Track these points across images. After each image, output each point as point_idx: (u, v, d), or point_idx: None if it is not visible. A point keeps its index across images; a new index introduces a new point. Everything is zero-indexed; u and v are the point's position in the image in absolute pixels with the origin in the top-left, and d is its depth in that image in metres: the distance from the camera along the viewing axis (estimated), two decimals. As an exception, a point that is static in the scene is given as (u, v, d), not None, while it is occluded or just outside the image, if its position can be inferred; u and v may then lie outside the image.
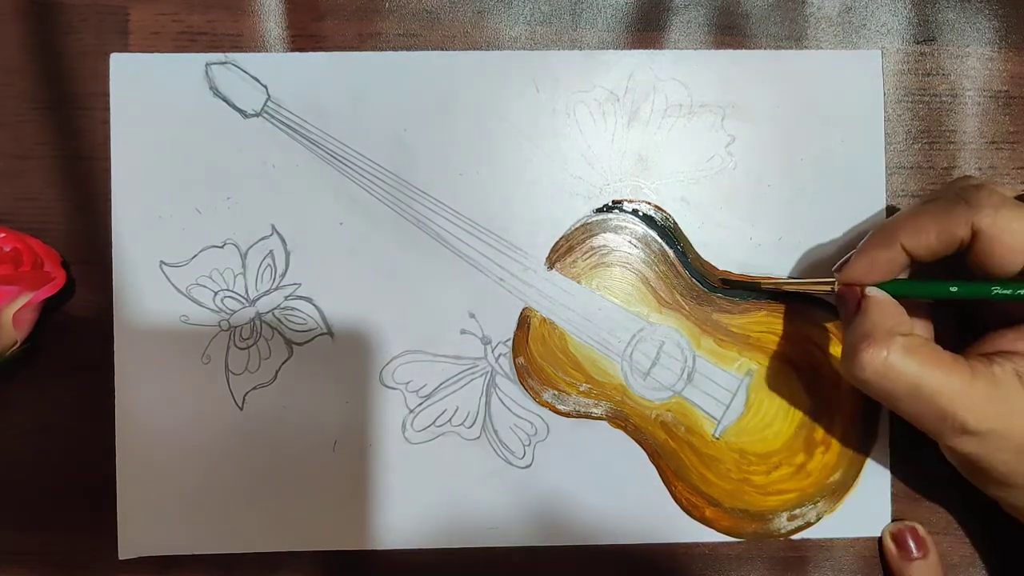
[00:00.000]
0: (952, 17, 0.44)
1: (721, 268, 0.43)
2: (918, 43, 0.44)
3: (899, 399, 0.35)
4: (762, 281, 0.43)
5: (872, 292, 0.37)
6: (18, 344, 0.41)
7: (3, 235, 0.40)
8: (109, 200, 0.43)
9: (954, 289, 0.37)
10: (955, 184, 0.38)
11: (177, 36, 0.43)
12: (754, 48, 0.44)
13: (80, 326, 0.43)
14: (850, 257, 0.39)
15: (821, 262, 0.43)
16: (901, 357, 0.34)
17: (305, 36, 0.43)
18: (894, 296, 0.38)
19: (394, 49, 0.43)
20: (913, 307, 0.39)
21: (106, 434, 0.42)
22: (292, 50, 0.43)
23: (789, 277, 0.43)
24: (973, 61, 0.44)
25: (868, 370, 0.35)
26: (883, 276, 0.38)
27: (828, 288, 0.40)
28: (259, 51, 0.43)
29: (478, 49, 0.44)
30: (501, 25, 0.44)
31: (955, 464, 0.38)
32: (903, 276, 0.39)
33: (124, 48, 0.43)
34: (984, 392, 0.34)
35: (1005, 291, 0.36)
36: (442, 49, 0.44)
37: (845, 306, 0.39)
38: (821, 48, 0.44)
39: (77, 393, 0.43)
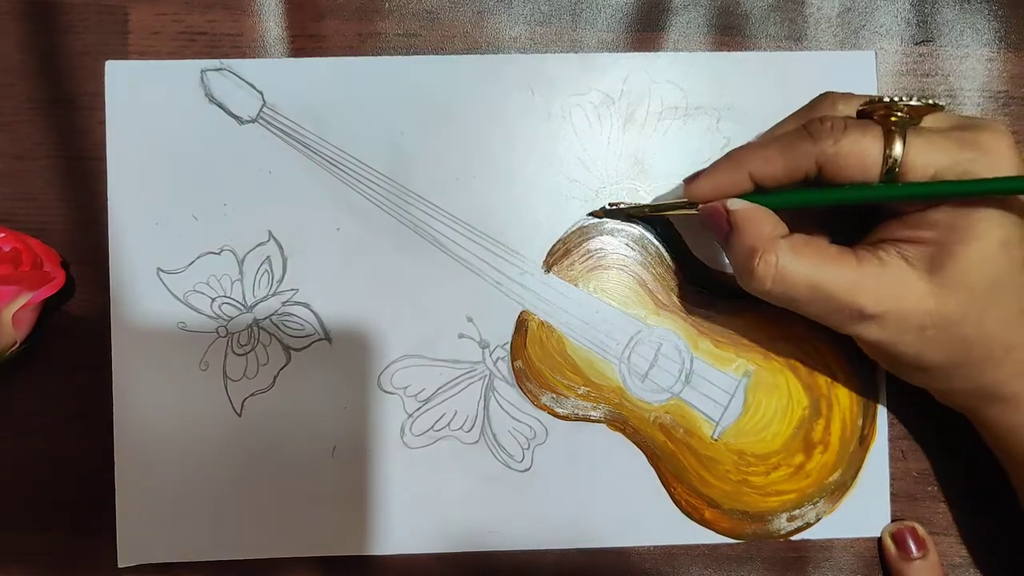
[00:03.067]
0: (951, 18, 0.44)
1: (718, 270, 0.43)
2: (917, 44, 0.44)
3: (799, 300, 0.36)
4: (628, 209, 0.43)
5: (736, 205, 0.37)
6: (17, 344, 0.41)
7: (3, 235, 0.40)
8: (108, 202, 0.43)
9: (811, 192, 0.37)
10: (804, 113, 0.38)
11: (177, 36, 0.43)
12: (753, 49, 0.44)
13: (79, 326, 0.43)
14: (699, 174, 0.39)
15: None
16: (791, 259, 0.35)
17: (305, 36, 0.43)
18: None
19: (394, 49, 0.43)
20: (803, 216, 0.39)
21: (105, 433, 0.42)
22: (292, 50, 0.43)
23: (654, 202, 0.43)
24: (972, 62, 0.44)
25: (767, 280, 0.36)
26: (727, 196, 0.38)
27: (690, 210, 0.39)
28: (259, 51, 0.43)
29: (478, 49, 0.44)
30: (501, 25, 0.44)
31: (873, 357, 0.39)
32: None
33: (123, 48, 0.43)
34: (873, 276, 0.35)
35: (855, 193, 0.35)
36: (442, 49, 0.44)
37: (713, 223, 0.38)
38: (820, 49, 0.44)
39: (77, 393, 0.43)
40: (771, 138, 0.38)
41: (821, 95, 0.39)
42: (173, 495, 0.43)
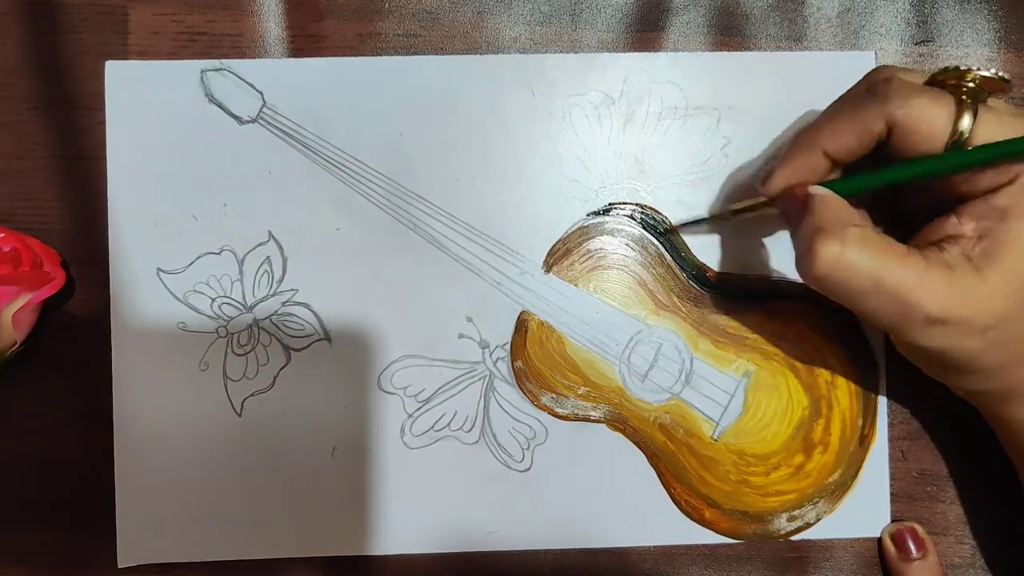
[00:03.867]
0: (951, 18, 0.44)
1: (719, 270, 0.43)
2: (917, 44, 0.44)
3: (859, 294, 0.34)
4: (708, 217, 0.43)
5: (815, 189, 0.36)
6: (17, 344, 0.41)
7: (2, 235, 0.40)
8: (108, 202, 0.43)
9: (892, 172, 0.36)
10: (867, 77, 0.37)
11: (176, 36, 0.43)
12: (753, 48, 0.44)
13: (79, 326, 0.43)
14: (773, 168, 0.38)
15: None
16: (858, 250, 0.33)
17: (305, 36, 0.43)
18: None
19: (394, 49, 0.43)
20: None
21: (105, 433, 0.42)
22: (292, 50, 0.43)
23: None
24: (972, 62, 0.44)
25: (824, 265, 0.33)
26: (808, 183, 0.37)
27: (768, 205, 0.39)
28: (259, 51, 0.43)
29: (478, 49, 0.44)
30: (501, 25, 0.44)
31: (914, 359, 0.38)
32: None
33: (123, 48, 0.43)
34: (941, 278, 0.33)
35: (938, 164, 0.34)
36: (442, 49, 0.44)
37: (790, 209, 0.37)
38: (820, 49, 0.44)
39: (77, 393, 0.43)
40: (833, 108, 0.37)
41: (876, 68, 0.37)
42: (173, 495, 0.43)
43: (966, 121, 0.33)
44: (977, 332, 0.34)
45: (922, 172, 0.35)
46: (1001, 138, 0.33)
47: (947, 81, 0.34)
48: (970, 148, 0.33)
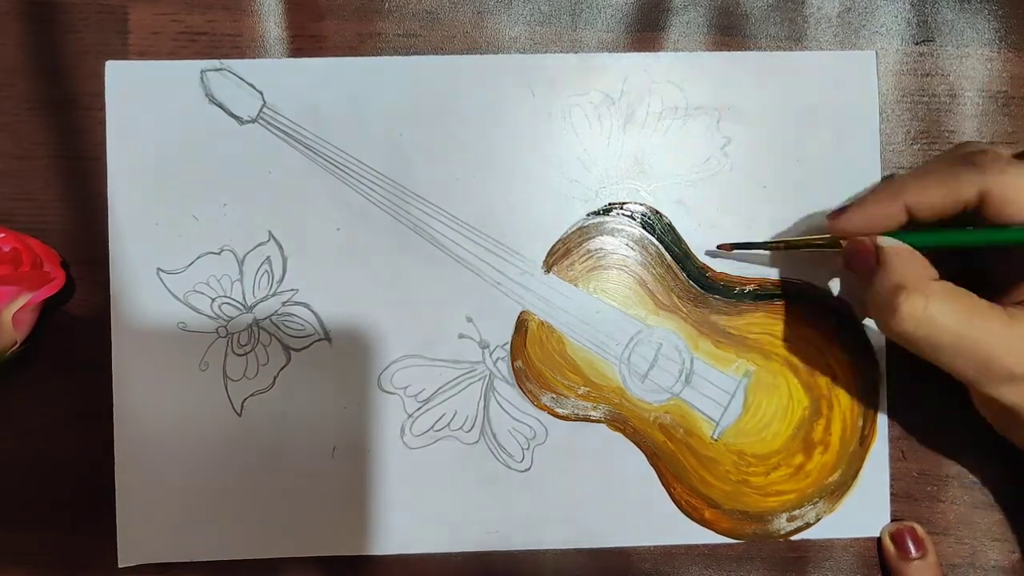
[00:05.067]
0: (951, 17, 0.44)
1: (719, 270, 0.43)
2: (917, 43, 0.44)
3: (941, 349, 0.34)
4: (761, 244, 0.42)
5: (886, 242, 0.36)
6: (17, 344, 0.41)
7: (3, 235, 0.40)
8: (108, 202, 0.43)
9: (968, 231, 0.36)
10: (960, 148, 0.37)
11: (176, 36, 0.43)
12: (753, 49, 0.44)
13: (79, 326, 0.43)
14: (847, 208, 0.38)
15: (818, 264, 0.43)
16: (941, 305, 0.34)
17: (305, 36, 0.43)
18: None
19: (394, 49, 0.43)
20: None
21: (106, 433, 0.42)
22: (292, 50, 0.43)
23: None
24: (972, 61, 0.44)
25: (910, 321, 0.34)
26: (879, 231, 0.37)
27: (830, 243, 0.39)
28: (259, 51, 0.43)
29: (478, 49, 0.44)
30: (501, 25, 0.44)
31: (989, 416, 0.38)
32: None
33: (123, 48, 0.43)
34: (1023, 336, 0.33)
35: (1013, 235, 0.35)
36: (442, 49, 0.44)
37: (859, 259, 0.37)
38: (820, 49, 0.44)
39: (77, 393, 0.43)
40: (926, 167, 0.37)
41: (968, 142, 0.38)
42: (173, 495, 0.43)
43: None
44: None
45: (1009, 240, 0.35)
46: None
47: None
48: None
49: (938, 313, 0.34)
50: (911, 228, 0.37)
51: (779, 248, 0.42)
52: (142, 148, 0.43)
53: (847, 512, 0.43)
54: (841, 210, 0.38)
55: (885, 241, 0.36)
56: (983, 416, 0.38)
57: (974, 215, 0.36)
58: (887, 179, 0.38)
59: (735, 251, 0.43)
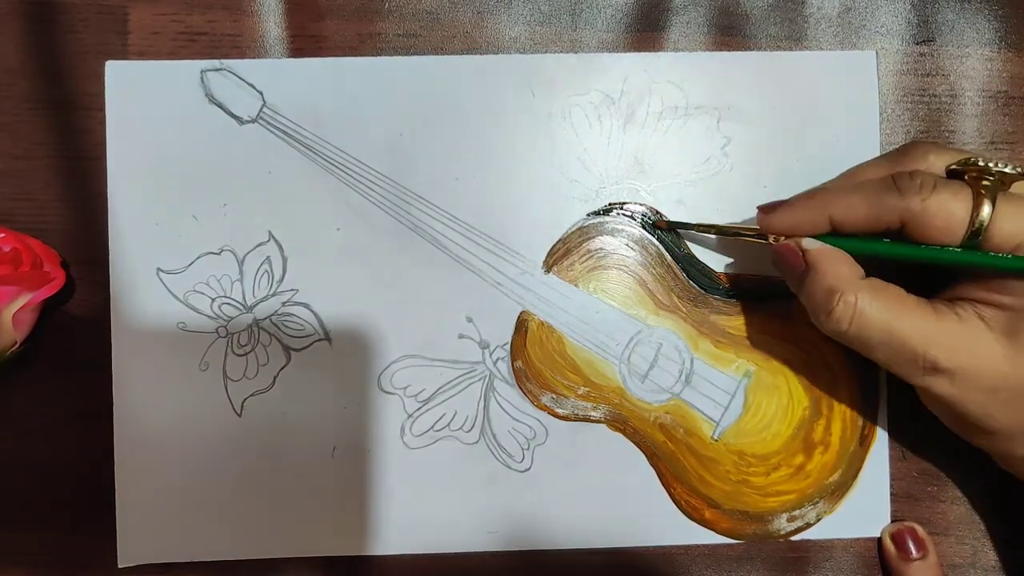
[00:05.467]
0: (951, 17, 0.44)
1: (718, 270, 0.43)
2: (917, 43, 0.44)
3: (873, 345, 0.36)
4: (695, 226, 0.42)
5: (812, 245, 0.37)
6: (17, 344, 0.41)
7: (3, 235, 0.40)
8: (108, 202, 0.43)
9: (886, 243, 0.37)
10: (898, 155, 0.38)
11: (176, 36, 0.43)
12: (754, 49, 0.44)
13: (79, 326, 0.43)
14: (776, 207, 0.39)
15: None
16: (870, 302, 0.35)
17: (305, 36, 0.43)
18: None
19: (394, 49, 0.43)
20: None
21: (106, 433, 0.42)
22: (292, 50, 0.43)
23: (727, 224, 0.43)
24: (972, 61, 0.44)
25: (845, 321, 0.36)
26: (805, 235, 0.38)
27: (761, 240, 0.40)
28: (259, 51, 0.43)
29: (478, 49, 0.44)
30: (501, 25, 0.44)
31: (935, 411, 0.39)
32: None
33: (123, 48, 0.43)
34: (950, 330, 0.35)
35: (937, 253, 0.36)
36: (442, 49, 0.44)
37: (786, 260, 0.38)
38: (820, 49, 0.44)
39: (77, 393, 0.43)
40: (856, 184, 0.37)
41: (912, 143, 0.38)
42: (173, 495, 0.43)
43: (984, 212, 0.34)
44: (983, 389, 0.35)
45: (922, 257, 0.36)
46: (1022, 228, 0.34)
47: (967, 173, 0.35)
48: (981, 252, 0.35)
49: (868, 310, 0.35)
50: (834, 235, 0.38)
51: (709, 232, 0.42)
52: (142, 148, 0.43)
53: (847, 512, 0.43)
54: (771, 207, 0.39)
55: (811, 244, 0.37)
56: (937, 414, 0.39)
57: (899, 233, 0.36)
58: (816, 188, 0.39)
59: (671, 229, 0.43)
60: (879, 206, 0.36)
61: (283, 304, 0.43)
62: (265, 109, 0.43)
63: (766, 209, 0.39)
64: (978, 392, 0.35)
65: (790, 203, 0.38)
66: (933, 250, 0.35)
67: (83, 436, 0.43)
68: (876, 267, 0.38)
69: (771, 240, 0.39)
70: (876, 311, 0.35)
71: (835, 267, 0.36)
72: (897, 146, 0.39)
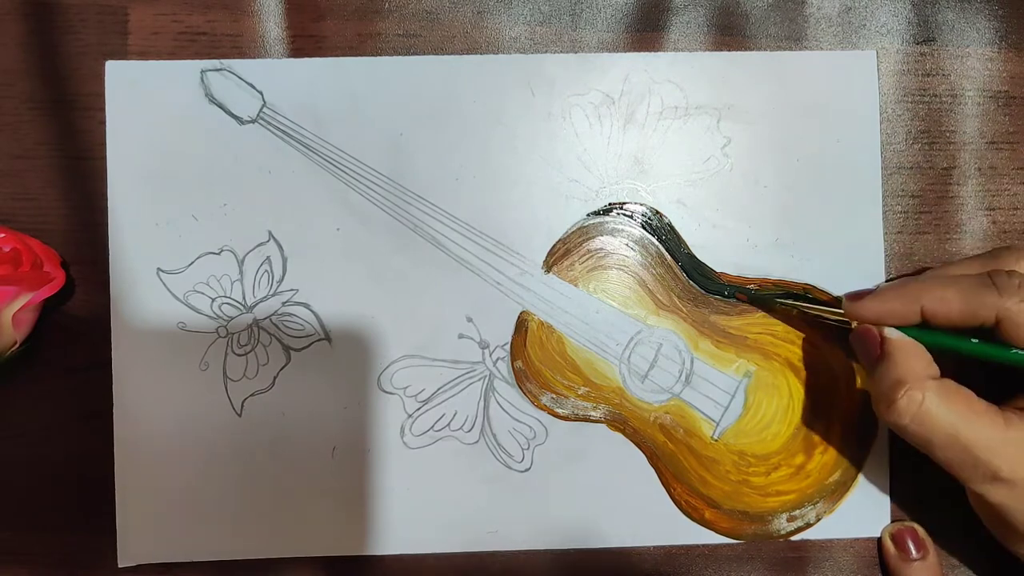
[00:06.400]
0: (952, 17, 0.44)
1: (718, 270, 0.43)
2: (918, 43, 0.44)
3: (934, 445, 0.35)
4: (777, 301, 0.42)
5: (893, 335, 0.37)
6: (17, 344, 0.41)
7: (3, 235, 0.40)
8: (108, 202, 0.43)
9: (975, 343, 0.37)
10: (992, 259, 0.38)
11: (176, 36, 0.43)
12: (754, 49, 0.44)
13: (80, 326, 0.43)
14: (864, 295, 0.39)
15: (817, 265, 0.43)
16: (937, 403, 0.35)
17: (305, 36, 0.43)
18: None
19: (394, 49, 0.43)
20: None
21: (106, 434, 0.43)
22: (292, 50, 0.43)
23: (804, 299, 0.43)
24: (973, 61, 0.44)
25: (906, 416, 0.35)
26: (893, 324, 0.38)
27: (842, 321, 0.40)
28: (259, 51, 0.43)
29: (478, 49, 0.44)
30: (501, 25, 0.44)
31: (981, 513, 0.39)
32: None
33: (123, 48, 0.43)
34: (1018, 441, 0.35)
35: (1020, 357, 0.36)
36: (442, 49, 0.44)
37: (864, 346, 0.38)
38: (820, 49, 0.44)
39: (77, 393, 0.43)
40: (950, 278, 0.37)
41: (1005, 247, 0.39)
42: (173, 495, 0.43)
43: None
44: None
45: (1012, 361, 0.36)
46: None
47: None
48: None
49: (934, 411, 0.35)
50: (923, 327, 0.38)
51: (791, 310, 0.42)
52: (142, 148, 0.43)
53: (847, 512, 0.43)
54: (859, 295, 0.39)
55: (892, 333, 0.37)
56: (978, 514, 0.39)
57: (989, 330, 0.36)
58: (911, 276, 0.39)
59: (749, 297, 0.43)
60: (975, 302, 0.36)
61: (283, 304, 0.43)
62: (265, 109, 0.43)
63: (853, 297, 0.39)
64: None
65: (879, 293, 0.38)
66: (1021, 355, 0.35)
67: (83, 436, 0.43)
68: (956, 363, 0.37)
69: (854, 325, 0.39)
70: (942, 412, 0.35)
71: (909, 360, 0.36)
72: (987, 250, 0.39)
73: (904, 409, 0.35)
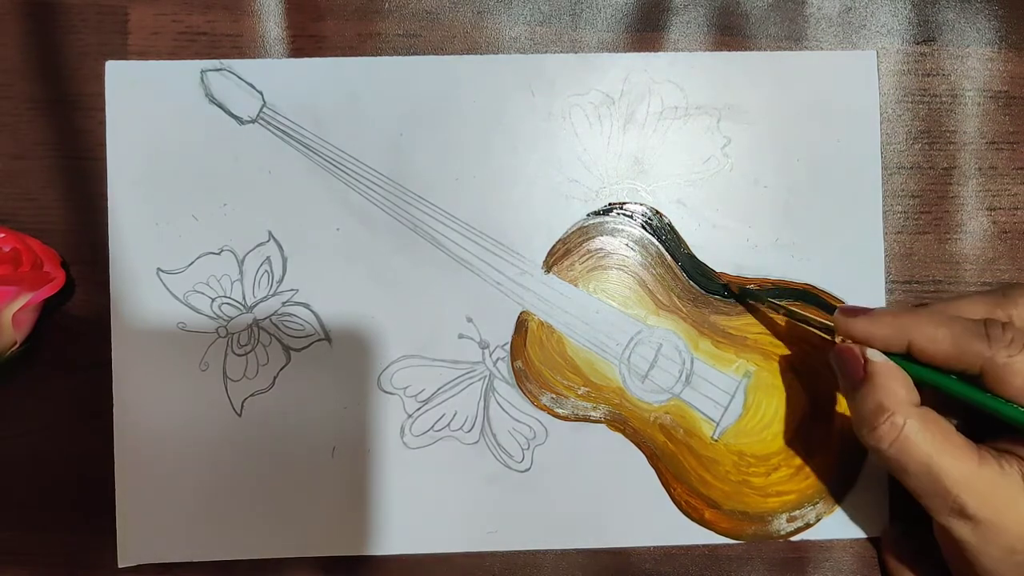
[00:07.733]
0: (952, 17, 0.44)
1: (718, 270, 0.43)
2: (918, 43, 0.44)
3: (908, 473, 0.35)
4: (769, 302, 0.42)
5: (877, 357, 0.37)
6: (18, 344, 0.41)
7: (3, 235, 0.40)
8: (108, 202, 0.43)
9: (953, 379, 0.37)
10: (1001, 297, 0.38)
11: (177, 36, 0.43)
12: (754, 49, 0.44)
13: (79, 326, 0.43)
14: (859, 312, 0.38)
15: (817, 265, 0.43)
16: (917, 430, 0.35)
17: (305, 36, 0.43)
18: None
19: (394, 49, 0.43)
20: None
21: (106, 434, 0.42)
22: (292, 50, 0.43)
23: (801, 296, 0.43)
24: (973, 61, 0.44)
25: (886, 442, 0.35)
26: (878, 348, 0.37)
27: (828, 334, 0.39)
28: (259, 51, 0.43)
29: (478, 49, 0.44)
30: (501, 25, 0.44)
31: (944, 549, 0.38)
32: None
33: (123, 48, 0.43)
34: (989, 479, 0.35)
35: (1006, 408, 0.35)
36: (442, 49, 0.44)
37: (845, 366, 0.38)
38: (821, 49, 0.44)
39: (77, 393, 0.43)
40: (947, 318, 0.37)
41: (1017, 284, 0.38)
42: (173, 495, 0.43)
43: None
44: (1003, 546, 0.35)
45: (991, 408, 0.36)
46: None
47: None
48: None
49: (913, 438, 0.35)
50: (907, 358, 0.37)
51: (779, 311, 0.42)
52: (142, 148, 0.43)
53: (847, 512, 0.43)
54: (854, 311, 0.38)
55: (876, 356, 0.37)
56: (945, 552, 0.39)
57: (973, 375, 0.36)
58: (906, 308, 0.39)
59: (742, 295, 0.43)
60: (963, 348, 0.35)
61: (283, 304, 0.43)
62: (265, 109, 0.43)
63: (847, 312, 0.38)
64: (996, 547, 0.35)
65: (873, 315, 0.38)
66: (999, 403, 0.35)
67: (83, 436, 0.43)
68: (936, 396, 0.37)
69: (837, 340, 0.39)
70: (920, 440, 0.35)
71: (892, 385, 0.36)
72: (999, 285, 0.39)
73: (885, 434, 0.35)
